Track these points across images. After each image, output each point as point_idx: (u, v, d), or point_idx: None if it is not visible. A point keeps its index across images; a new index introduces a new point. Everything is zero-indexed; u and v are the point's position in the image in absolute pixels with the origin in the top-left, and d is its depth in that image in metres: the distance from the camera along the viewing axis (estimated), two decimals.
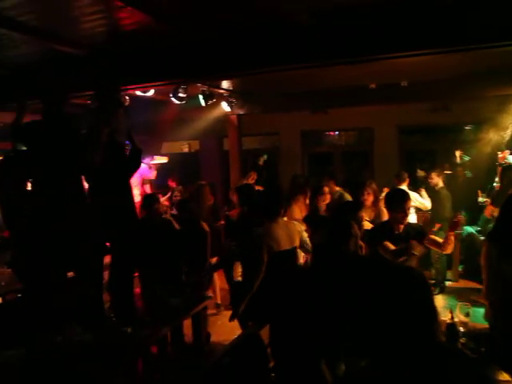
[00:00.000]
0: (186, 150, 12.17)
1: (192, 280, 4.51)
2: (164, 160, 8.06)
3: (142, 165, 7.25)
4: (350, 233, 3.17)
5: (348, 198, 5.63)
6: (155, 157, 8.01)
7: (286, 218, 4.40)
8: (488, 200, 6.45)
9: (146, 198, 4.79)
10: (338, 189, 5.95)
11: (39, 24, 3.80)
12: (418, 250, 3.68)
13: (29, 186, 3.99)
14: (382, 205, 4.96)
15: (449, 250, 3.76)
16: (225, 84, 7.11)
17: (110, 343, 3.04)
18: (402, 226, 3.77)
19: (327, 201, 5.11)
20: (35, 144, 3.64)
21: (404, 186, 6.06)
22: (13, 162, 4.22)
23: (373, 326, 1.19)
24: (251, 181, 5.86)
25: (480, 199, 6.74)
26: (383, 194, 5.70)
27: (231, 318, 3.71)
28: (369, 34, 3.66)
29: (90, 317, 3.39)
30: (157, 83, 4.91)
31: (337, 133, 10.77)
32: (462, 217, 3.63)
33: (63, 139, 3.54)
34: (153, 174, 7.82)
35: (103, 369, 2.79)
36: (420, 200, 6.31)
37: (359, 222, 4.09)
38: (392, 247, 3.64)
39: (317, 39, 3.80)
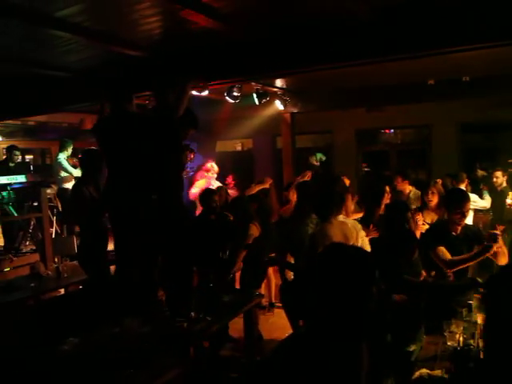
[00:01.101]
0: (238, 148, 12.31)
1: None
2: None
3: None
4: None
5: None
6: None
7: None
8: None
9: (201, 193, 4.91)
10: (411, 188, 5.74)
11: (102, 28, 3.97)
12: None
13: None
14: None
15: (502, 260, 3.37)
16: (278, 82, 7.11)
17: (163, 336, 3.13)
18: (459, 228, 3.61)
19: (387, 200, 4.96)
20: (104, 141, 3.84)
21: (462, 187, 5.79)
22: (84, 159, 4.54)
23: None
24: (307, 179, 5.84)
25: (508, 200, 6.29)
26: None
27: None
28: (429, 27, 3.52)
29: (144, 310, 3.49)
30: (213, 83, 4.96)
31: (392, 131, 10.50)
32: (500, 227, 3.35)
33: (130, 136, 3.67)
34: None
35: (156, 361, 2.88)
36: (478, 202, 5.99)
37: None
38: (448, 255, 3.44)
39: (376, 34, 3.70)
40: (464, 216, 3.58)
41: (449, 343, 2.67)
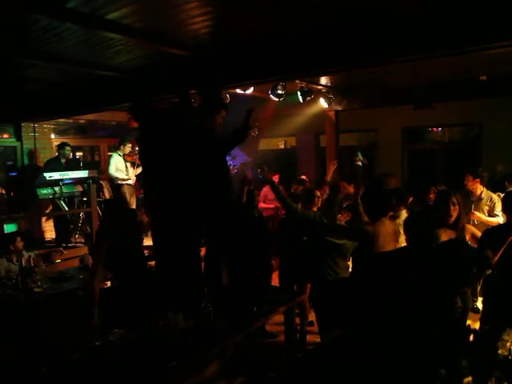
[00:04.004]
0: (281, 146, 12.28)
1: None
2: None
3: None
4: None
5: (496, 199, 5.25)
6: None
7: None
8: None
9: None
10: (482, 188, 5.52)
11: (151, 29, 4.06)
12: None
13: None
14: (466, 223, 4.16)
15: None
16: (323, 80, 7.04)
17: (203, 332, 3.17)
18: None
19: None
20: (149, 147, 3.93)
21: None
22: None
23: None
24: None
25: None
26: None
27: None
28: (482, 20, 3.35)
29: (187, 305, 3.54)
30: (258, 81, 4.95)
31: (439, 129, 10.16)
32: None
33: (174, 135, 3.74)
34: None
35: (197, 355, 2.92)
36: None
37: None
38: None
39: (426, 28, 3.57)
40: None
41: (499, 351, 2.55)
